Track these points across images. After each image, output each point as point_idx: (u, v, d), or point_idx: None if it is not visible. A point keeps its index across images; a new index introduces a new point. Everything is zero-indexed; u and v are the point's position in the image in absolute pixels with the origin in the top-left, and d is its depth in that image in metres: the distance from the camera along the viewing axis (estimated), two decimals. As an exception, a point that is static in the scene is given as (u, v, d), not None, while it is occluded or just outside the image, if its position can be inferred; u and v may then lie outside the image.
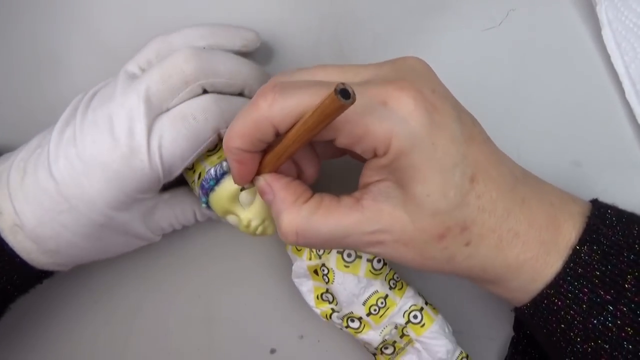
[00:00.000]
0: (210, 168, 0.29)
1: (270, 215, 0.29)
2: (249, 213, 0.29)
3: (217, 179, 0.29)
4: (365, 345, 0.34)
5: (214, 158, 0.30)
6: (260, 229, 0.29)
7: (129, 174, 0.27)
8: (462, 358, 0.33)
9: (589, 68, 0.34)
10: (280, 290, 0.36)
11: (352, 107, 0.21)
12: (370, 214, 0.24)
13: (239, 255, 0.36)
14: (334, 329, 0.35)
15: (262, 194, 0.26)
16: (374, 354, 0.34)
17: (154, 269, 0.36)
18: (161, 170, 0.28)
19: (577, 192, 0.30)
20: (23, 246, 0.28)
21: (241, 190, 0.29)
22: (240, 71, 0.30)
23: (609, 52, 0.32)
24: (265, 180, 0.26)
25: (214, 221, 0.33)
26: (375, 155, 0.24)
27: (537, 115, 0.34)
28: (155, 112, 0.28)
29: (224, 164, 0.29)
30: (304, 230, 0.25)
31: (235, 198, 0.29)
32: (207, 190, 0.29)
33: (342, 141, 0.24)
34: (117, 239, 0.30)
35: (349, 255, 0.32)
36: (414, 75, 0.25)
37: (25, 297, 0.31)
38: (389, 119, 0.23)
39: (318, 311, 0.33)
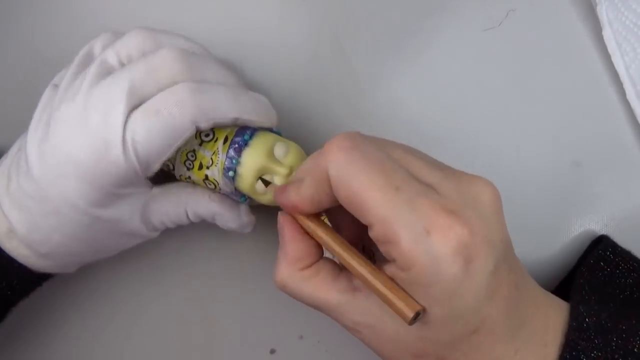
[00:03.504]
0: (238, 128, 0.28)
1: None
2: (288, 161, 0.28)
3: (252, 133, 0.28)
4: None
5: (212, 144, 0.28)
6: None
7: (104, 169, 0.26)
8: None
9: (589, 68, 0.34)
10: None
11: (395, 211, 0.22)
12: (359, 307, 0.25)
13: (239, 254, 0.36)
14: (334, 329, 0.35)
15: (279, 227, 0.27)
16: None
17: (154, 269, 0.36)
18: (138, 165, 0.26)
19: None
20: (19, 252, 0.28)
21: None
22: (226, 82, 0.28)
23: (610, 52, 0.32)
24: (283, 220, 0.27)
25: (210, 223, 0.33)
26: (393, 261, 0.23)
27: (537, 115, 0.34)
28: (135, 106, 0.26)
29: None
30: (291, 290, 0.26)
31: (271, 151, 0.28)
32: (241, 147, 0.28)
33: (372, 234, 0.23)
34: (110, 238, 0.29)
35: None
36: (475, 209, 0.23)
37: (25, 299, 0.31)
38: (423, 249, 0.22)
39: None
